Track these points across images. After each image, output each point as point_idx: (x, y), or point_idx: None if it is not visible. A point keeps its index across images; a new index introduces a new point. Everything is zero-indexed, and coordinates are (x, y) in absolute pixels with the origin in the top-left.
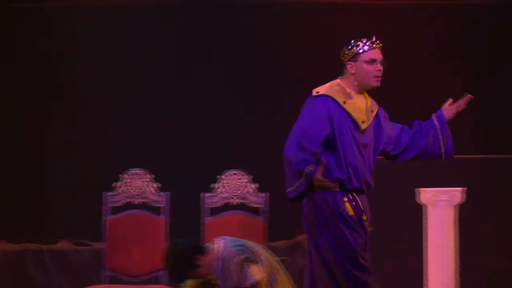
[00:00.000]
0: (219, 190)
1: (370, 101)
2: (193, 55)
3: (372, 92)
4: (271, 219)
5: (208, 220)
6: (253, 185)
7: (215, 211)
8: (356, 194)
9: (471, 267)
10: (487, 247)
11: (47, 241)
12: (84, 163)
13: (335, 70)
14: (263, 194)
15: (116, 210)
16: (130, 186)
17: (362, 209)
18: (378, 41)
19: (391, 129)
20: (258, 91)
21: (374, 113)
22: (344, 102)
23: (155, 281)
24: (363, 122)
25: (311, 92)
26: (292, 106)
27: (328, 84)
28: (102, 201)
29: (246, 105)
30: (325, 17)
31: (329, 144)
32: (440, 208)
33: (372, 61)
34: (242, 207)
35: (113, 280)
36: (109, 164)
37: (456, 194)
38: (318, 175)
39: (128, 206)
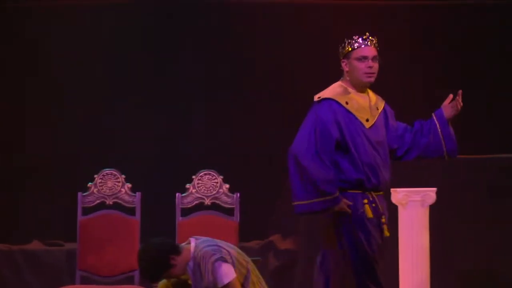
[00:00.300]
0: (192, 190)
1: (375, 98)
2: (166, 55)
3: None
4: (244, 219)
5: (181, 220)
6: (225, 186)
7: (188, 211)
8: (376, 194)
9: (443, 267)
10: (458, 247)
11: (19, 241)
12: (58, 163)
13: (311, 70)
14: (235, 195)
15: (89, 210)
16: (103, 186)
17: (382, 211)
18: (370, 38)
19: (396, 127)
20: (231, 92)
21: (380, 109)
22: (347, 103)
23: (128, 281)
24: (367, 120)
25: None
26: (264, 108)
27: (330, 87)
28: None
29: (219, 106)
30: (299, 17)
31: (340, 146)
32: (411, 208)
33: (363, 58)
34: (215, 207)
35: (85, 281)
36: (84, 164)
37: (427, 194)
38: (342, 205)
39: (102, 206)
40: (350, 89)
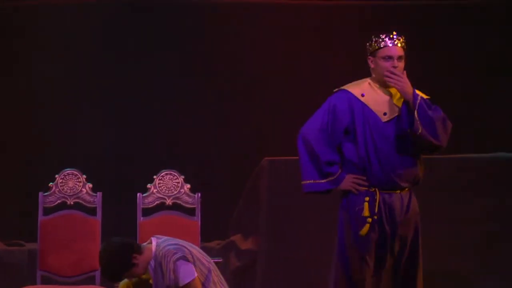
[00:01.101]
0: (153, 190)
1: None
2: (128, 54)
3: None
4: (205, 219)
5: (142, 220)
6: (187, 186)
7: (149, 211)
8: (384, 190)
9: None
10: (427, 247)
11: None
12: (19, 163)
13: (282, 71)
14: (196, 195)
15: (50, 210)
16: (64, 186)
17: (377, 211)
18: (397, 37)
19: None
20: (193, 92)
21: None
22: (362, 95)
23: (89, 281)
24: (384, 114)
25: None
26: (227, 108)
27: (354, 82)
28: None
29: (181, 106)
30: (258, 16)
31: (349, 134)
32: None
33: (388, 58)
34: (176, 207)
35: (46, 281)
36: (45, 164)
37: None
38: (346, 184)
39: (63, 206)
40: (373, 83)
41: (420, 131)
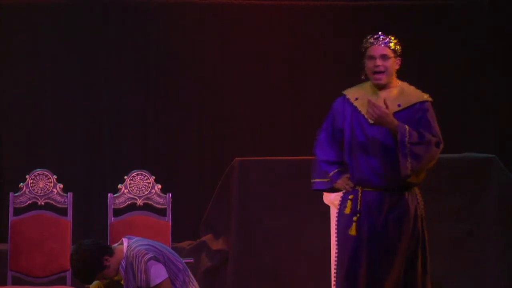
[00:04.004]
0: (124, 190)
1: (396, 97)
2: (98, 55)
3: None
4: (176, 220)
5: (113, 220)
6: (157, 186)
7: (120, 211)
8: (367, 189)
9: None
10: None
11: None
12: None
13: (247, 70)
14: (167, 195)
15: (21, 210)
16: (34, 186)
17: (359, 209)
18: (381, 37)
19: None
20: (163, 93)
21: (399, 108)
22: (356, 99)
23: (60, 282)
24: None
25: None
26: (197, 108)
27: (359, 84)
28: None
29: (152, 107)
30: (220, 16)
31: (343, 137)
32: None
33: (371, 57)
34: (147, 207)
35: (17, 281)
36: (15, 164)
37: None
38: (339, 184)
39: (33, 206)
40: (370, 85)
41: (409, 172)
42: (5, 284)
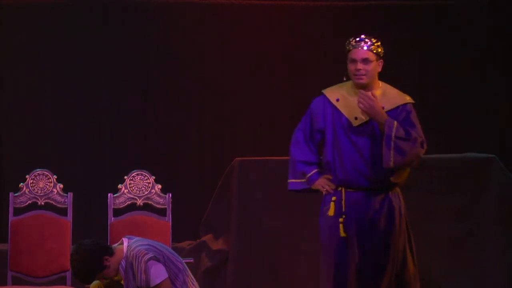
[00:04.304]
0: (124, 190)
1: (379, 99)
2: (99, 54)
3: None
4: (176, 220)
5: (113, 220)
6: (157, 186)
7: (120, 211)
8: (350, 189)
9: None
10: None
11: None
12: None
13: (247, 70)
14: (167, 195)
15: (21, 210)
16: (34, 186)
17: (344, 210)
18: (364, 40)
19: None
20: (163, 92)
21: (384, 110)
22: (337, 100)
23: (60, 282)
24: (356, 118)
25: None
26: (197, 108)
27: (338, 84)
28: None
29: (151, 106)
30: (233, 16)
31: (324, 138)
32: None
33: (353, 60)
34: (147, 207)
35: (17, 281)
36: (15, 164)
37: None
38: (317, 185)
39: (33, 206)
40: (351, 88)
41: (391, 165)
42: (5, 284)
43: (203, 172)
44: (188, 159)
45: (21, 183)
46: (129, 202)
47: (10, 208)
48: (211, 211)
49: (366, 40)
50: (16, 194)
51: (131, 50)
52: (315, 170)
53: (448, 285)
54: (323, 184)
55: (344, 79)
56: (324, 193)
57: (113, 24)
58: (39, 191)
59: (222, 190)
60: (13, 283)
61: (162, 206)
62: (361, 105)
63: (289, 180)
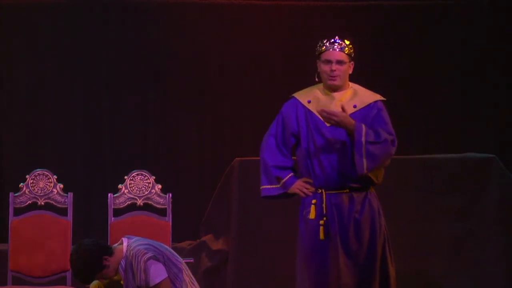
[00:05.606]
0: (124, 190)
1: (349, 97)
2: (99, 56)
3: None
4: (176, 220)
5: (114, 220)
6: (158, 186)
7: (120, 211)
8: (331, 191)
9: None
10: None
11: None
12: None
13: (246, 70)
14: (167, 195)
15: (21, 210)
16: (34, 186)
17: (325, 212)
18: (338, 42)
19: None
20: (163, 92)
21: (355, 109)
22: (309, 102)
23: (60, 282)
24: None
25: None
26: (197, 108)
27: (309, 87)
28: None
29: (151, 106)
30: (231, 16)
31: (298, 141)
32: None
33: (327, 62)
34: (147, 207)
35: (17, 281)
36: (15, 165)
37: None
38: (293, 188)
39: (33, 206)
40: (323, 88)
41: (365, 171)
42: (5, 284)
43: (203, 172)
44: (188, 159)
45: (21, 183)
46: (129, 202)
47: (10, 208)
48: (211, 211)
49: (340, 42)
50: (16, 194)
51: (131, 50)
52: (290, 174)
53: (448, 285)
54: (300, 187)
55: (316, 79)
56: (302, 196)
57: (113, 24)
58: (39, 191)
59: (222, 190)
60: (13, 283)
61: (162, 206)
62: (327, 124)
63: (262, 187)
